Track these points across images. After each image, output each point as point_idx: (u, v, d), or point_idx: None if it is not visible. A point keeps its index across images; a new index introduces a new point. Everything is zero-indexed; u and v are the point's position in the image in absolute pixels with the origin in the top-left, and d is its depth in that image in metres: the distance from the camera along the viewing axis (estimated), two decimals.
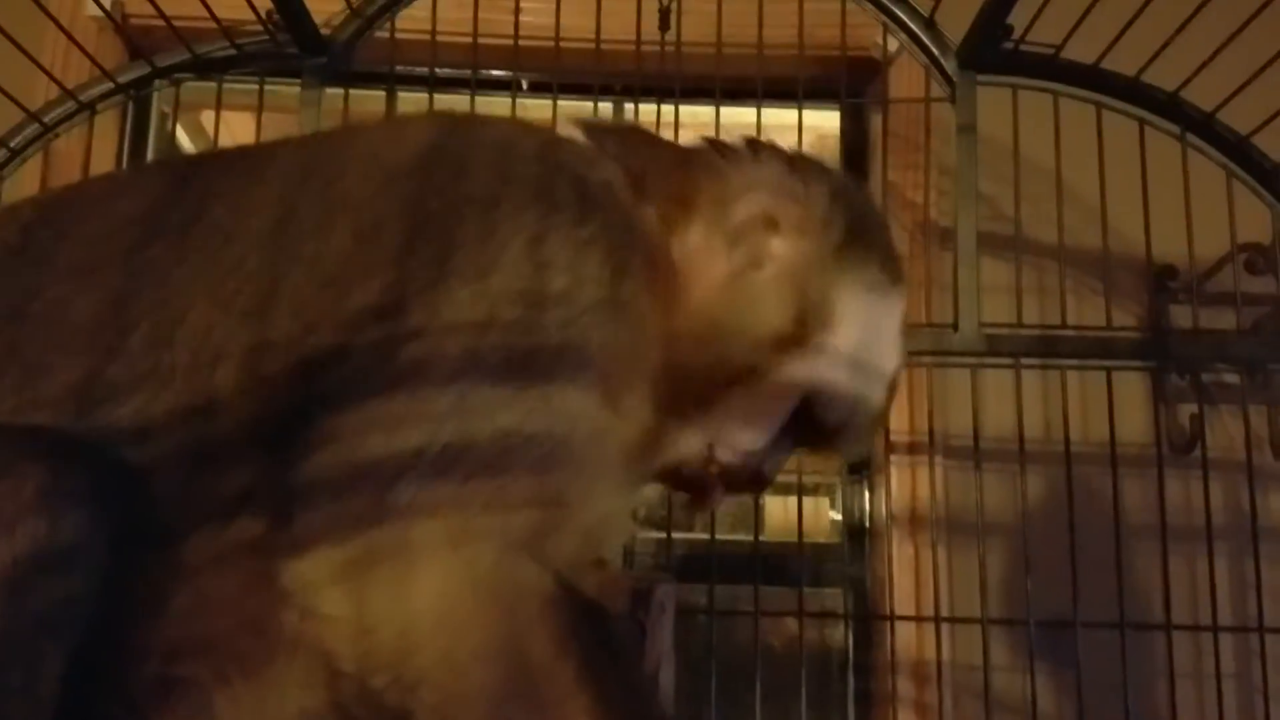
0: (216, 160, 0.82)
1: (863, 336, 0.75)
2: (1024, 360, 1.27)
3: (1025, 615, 1.23)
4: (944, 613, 1.31)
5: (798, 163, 0.77)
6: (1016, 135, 1.28)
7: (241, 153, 0.79)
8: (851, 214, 0.76)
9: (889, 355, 0.77)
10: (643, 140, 0.80)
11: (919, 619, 1.36)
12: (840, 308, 0.73)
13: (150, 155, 1.63)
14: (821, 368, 0.73)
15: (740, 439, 0.75)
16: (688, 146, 0.79)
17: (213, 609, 0.62)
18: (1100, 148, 1.26)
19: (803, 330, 0.73)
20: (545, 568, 0.59)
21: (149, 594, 0.60)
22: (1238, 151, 1.24)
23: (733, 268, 0.72)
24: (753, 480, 0.78)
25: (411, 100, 1.41)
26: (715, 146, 0.78)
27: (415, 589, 0.56)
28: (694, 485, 0.77)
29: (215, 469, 0.61)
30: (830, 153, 1.65)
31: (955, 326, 1.27)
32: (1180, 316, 1.43)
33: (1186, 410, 1.39)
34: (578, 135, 0.76)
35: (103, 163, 1.51)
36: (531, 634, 0.58)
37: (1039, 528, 1.27)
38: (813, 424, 0.76)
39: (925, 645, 1.34)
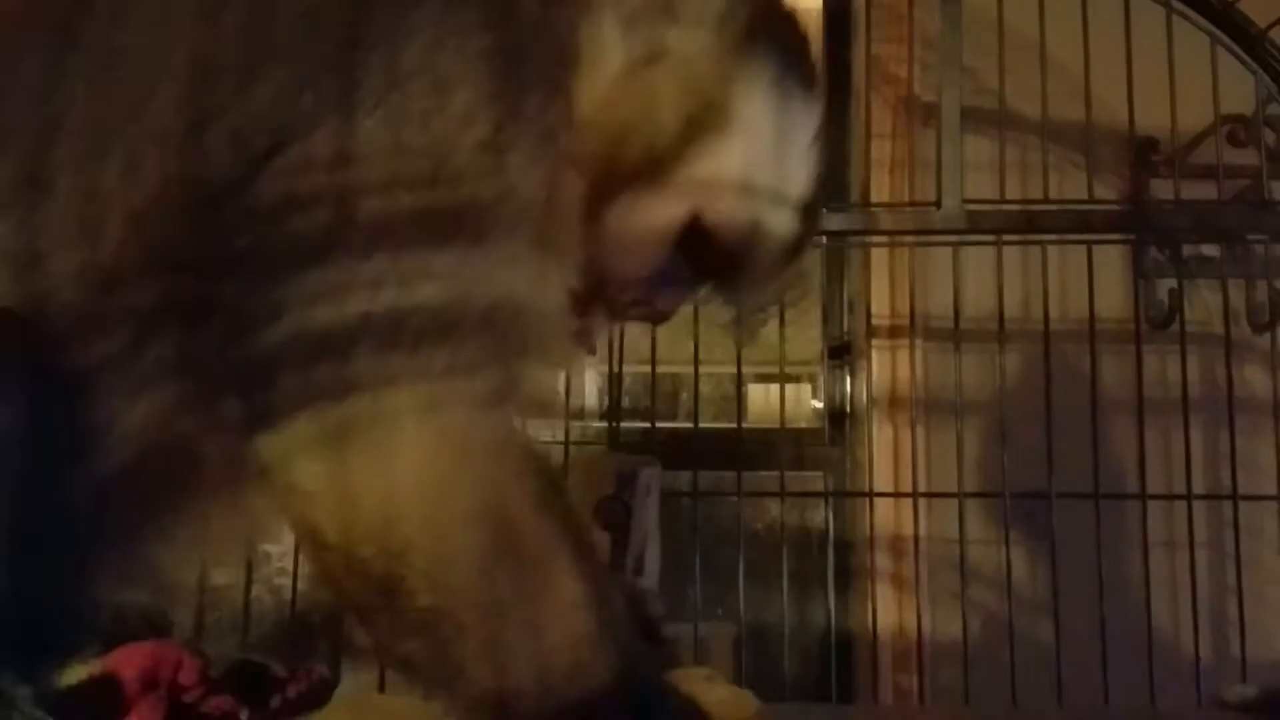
0: None
1: (762, 148, 0.67)
2: (1006, 236, 1.26)
3: (1002, 488, 1.24)
4: (922, 489, 1.33)
5: None
6: (1001, 5, 1.26)
7: None
8: (760, 6, 0.67)
9: (795, 173, 0.68)
10: None
11: (897, 494, 1.38)
12: (737, 112, 0.65)
13: None
14: (710, 171, 0.65)
15: (624, 263, 0.67)
16: None
17: (171, 482, 0.61)
18: (1085, 17, 1.24)
19: (691, 136, 0.64)
20: (515, 425, 0.58)
21: (103, 474, 0.59)
22: (1222, 18, 1.22)
23: (628, 60, 0.64)
24: (646, 313, 0.71)
25: None
26: None
27: (393, 458, 0.56)
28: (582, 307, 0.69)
29: (161, 333, 0.59)
30: (813, 26, 1.61)
31: (938, 204, 1.26)
32: (1162, 190, 1.42)
33: (1165, 285, 1.40)
34: None
35: None
36: (510, 492, 0.57)
37: (1017, 404, 1.28)
38: (710, 252, 0.68)
39: (903, 521, 1.36)
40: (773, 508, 1.42)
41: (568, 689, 0.55)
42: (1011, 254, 1.29)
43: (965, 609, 1.24)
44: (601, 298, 0.68)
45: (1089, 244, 1.27)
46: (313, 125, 0.58)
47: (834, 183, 1.58)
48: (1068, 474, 1.24)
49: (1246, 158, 1.34)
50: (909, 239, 1.34)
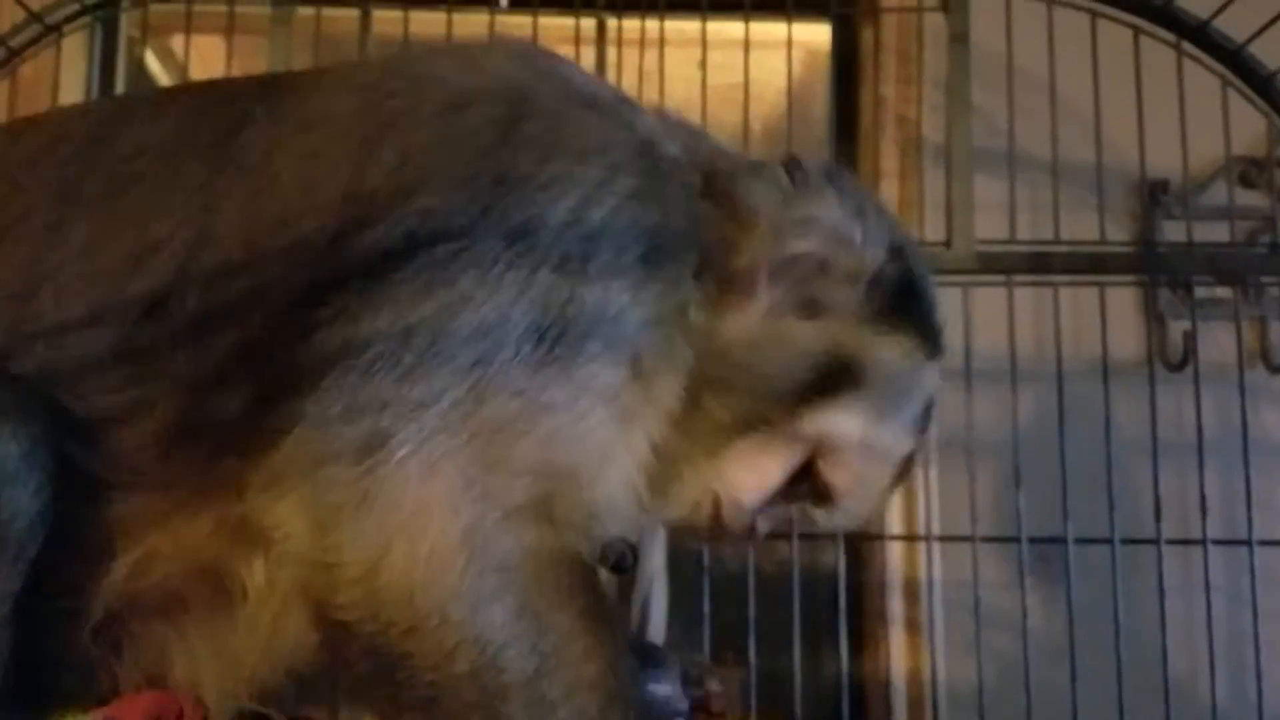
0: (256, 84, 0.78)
1: (886, 405, 0.72)
2: (1017, 277, 1.26)
3: (1017, 533, 1.23)
4: (936, 532, 1.31)
5: (865, 206, 0.72)
6: (1010, 46, 1.26)
7: (289, 78, 0.77)
8: (904, 275, 0.72)
9: (907, 430, 0.74)
10: (709, 139, 0.76)
11: (910, 538, 1.36)
12: (871, 370, 0.70)
13: (120, 81, 1.58)
14: (839, 428, 0.71)
15: (744, 491, 0.72)
16: (760, 160, 0.74)
17: (170, 559, 0.61)
18: (1095, 58, 1.24)
19: (829, 386, 0.70)
20: (548, 530, 0.59)
21: (97, 541, 0.61)
22: (1233, 60, 1.22)
23: (773, 303, 0.69)
24: (746, 533, 0.75)
25: (386, 19, 1.36)
26: (791, 164, 0.72)
27: (419, 543, 0.56)
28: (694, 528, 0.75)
29: (207, 396, 0.60)
30: (821, 69, 1.62)
31: (948, 244, 1.25)
32: (1173, 231, 1.41)
33: (1179, 326, 1.39)
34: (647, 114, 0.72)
35: (71, 88, 1.47)
36: (534, 591, 0.57)
37: (1031, 445, 1.27)
38: (816, 483, 0.73)
39: (916, 564, 1.34)
40: (783, 548, 1.41)
41: None
42: (1023, 294, 1.28)
43: (980, 654, 1.22)
44: (714, 520, 0.72)
45: (1101, 285, 1.26)
46: (458, 229, 0.61)
47: None
48: (1082, 517, 1.23)
49: (1258, 199, 1.34)
50: None
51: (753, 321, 0.68)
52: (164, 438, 0.60)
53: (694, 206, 0.68)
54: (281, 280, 0.61)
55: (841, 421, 0.70)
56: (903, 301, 0.72)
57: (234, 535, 0.61)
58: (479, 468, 0.57)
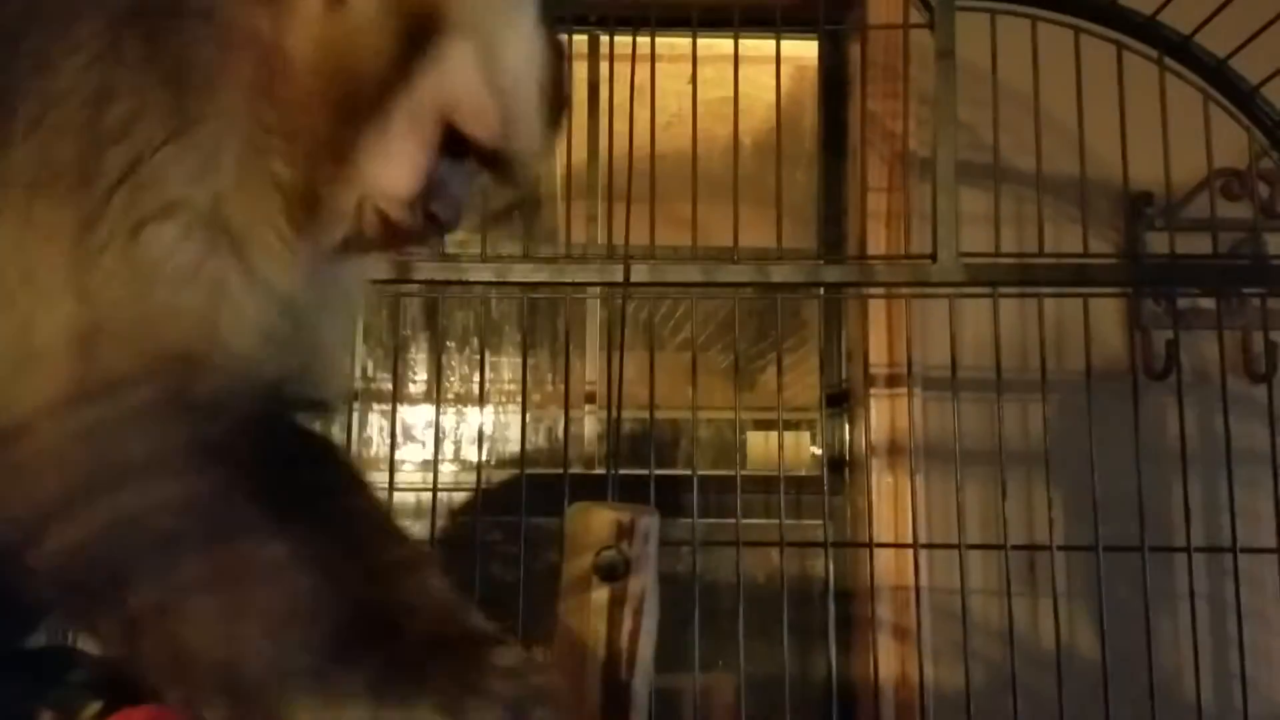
0: None
1: (483, 35, 0.67)
2: (1002, 289, 1.27)
3: (1002, 540, 1.24)
4: (923, 540, 1.33)
5: None
6: (995, 62, 1.28)
7: None
8: None
9: (524, 50, 0.69)
10: None
11: (898, 545, 1.38)
12: (452, 15, 0.66)
13: None
14: (445, 79, 0.66)
15: (390, 184, 0.67)
16: None
17: None
18: (1078, 73, 1.26)
19: (411, 46, 0.66)
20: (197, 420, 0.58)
21: None
22: (1216, 74, 1.24)
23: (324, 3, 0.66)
24: (429, 225, 0.70)
25: None
26: None
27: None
28: (376, 242, 0.70)
29: None
30: (809, 84, 1.64)
31: (934, 257, 1.27)
32: (1157, 242, 1.43)
33: (1162, 336, 1.40)
34: None
35: None
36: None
37: (1016, 455, 1.29)
38: (476, 147, 0.69)
39: (904, 571, 1.36)
40: (773, 556, 1.42)
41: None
42: (1008, 305, 1.30)
43: (967, 660, 1.23)
44: (381, 221, 0.68)
45: (1085, 296, 1.28)
46: None
47: (831, 235, 1.60)
48: (1067, 525, 1.24)
49: (1240, 211, 1.36)
50: (905, 291, 1.35)
51: (316, 24, 0.66)
52: None
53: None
54: None
55: (446, 74, 0.66)
56: None
57: None
58: (94, 391, 0.57)
